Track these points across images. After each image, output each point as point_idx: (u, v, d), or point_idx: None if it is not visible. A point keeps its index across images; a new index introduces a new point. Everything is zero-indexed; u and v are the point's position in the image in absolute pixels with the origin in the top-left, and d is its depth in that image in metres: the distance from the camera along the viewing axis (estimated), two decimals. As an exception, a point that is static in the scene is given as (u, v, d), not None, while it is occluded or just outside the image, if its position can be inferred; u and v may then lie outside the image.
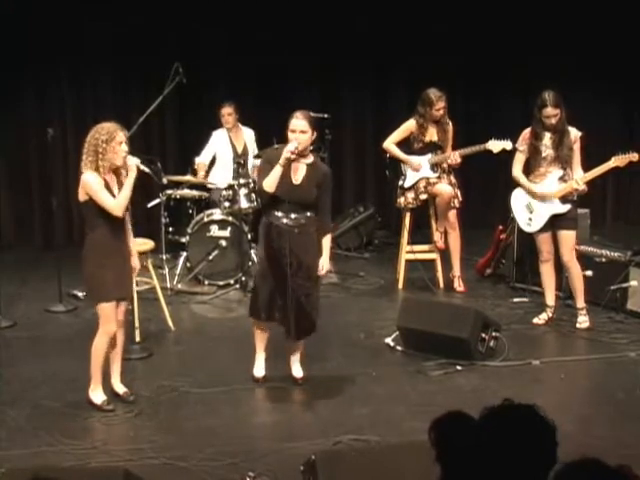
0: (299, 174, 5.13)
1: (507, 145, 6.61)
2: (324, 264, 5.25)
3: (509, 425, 2.39)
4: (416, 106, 7.23)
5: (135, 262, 5.23)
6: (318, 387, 5.40)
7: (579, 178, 6.21)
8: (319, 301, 5.37)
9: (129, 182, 4.90)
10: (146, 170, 5.07)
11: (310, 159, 5.18)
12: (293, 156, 5.01)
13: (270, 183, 5.05)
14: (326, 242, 5.27)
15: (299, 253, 5.14)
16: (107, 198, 4.85)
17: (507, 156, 6.68)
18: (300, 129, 5.04)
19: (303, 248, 5.15)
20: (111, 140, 4.82)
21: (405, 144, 7.37)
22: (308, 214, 5.16)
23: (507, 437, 2.37)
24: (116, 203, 4.86)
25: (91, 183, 4.84)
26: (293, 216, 5.12)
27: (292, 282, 5.12)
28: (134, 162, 4.93)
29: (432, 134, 7.29)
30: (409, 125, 7.30)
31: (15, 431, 4.76)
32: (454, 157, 7.16)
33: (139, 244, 5.37)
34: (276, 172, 5.02)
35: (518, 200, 6.52)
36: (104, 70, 8.96)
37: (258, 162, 6.75)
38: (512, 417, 2.41)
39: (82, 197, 4.90)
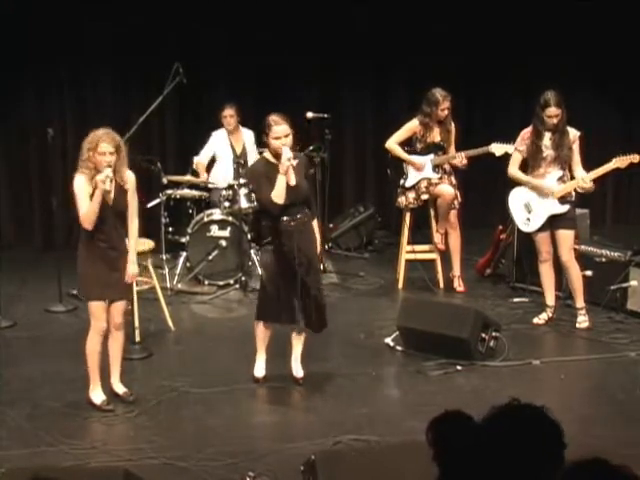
0: (290, 175, 5.11)
1: (510, 149, 6.60)
2: (318, 248, 5.37)
3: (516, 425, 2.39)
4: (421, 106, 7.23)
5: (130, 268, 5.08)
6: (318, 387, 5.40)
7: (585, 176, 6.21)
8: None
9: (95, 198, 4.79)
10: (107, 189, 4.82)
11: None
12: (294, 162, 5.00)
13: (279, 195, 5.03)
14: (315, 226, 5.35)
15: (306, 250, 5.19)
16: (83, 207, 4.83)
17: (507, 156, 6.68)
18: (284, 134, 5.04)
19: (307, 244, 5.22)
20: (92, 149, 4.81)
21: (407, 144, 7.37)
22: (306, 210, 5.23)
23: (514, 437, 2.36)
24: (82, 215, 4.84)
25: (75, 187, 4.86)
26: (298, 216, 5.16)
27: (307, 279, 5.18)
28: (100, 178, 4.76)
29: (435, 135, 7.28)
30: (412, 125, 7.29)
31: (15, 431, 4.77)
32: (460, 158, 7.15)
33: (139, 244, 5.34)
34: (281, 183, 5.01)
35: (516, 200, 6.52)
36: (104, 70, 8.95)
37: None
38: (520, 417, 2.40)
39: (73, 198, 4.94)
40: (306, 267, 5.18)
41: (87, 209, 4.83)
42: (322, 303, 5.34)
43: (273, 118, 5.07)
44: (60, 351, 6.03)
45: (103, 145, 4.80)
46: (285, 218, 5.13)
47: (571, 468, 2.23)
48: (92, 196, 4.82)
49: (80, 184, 4.84)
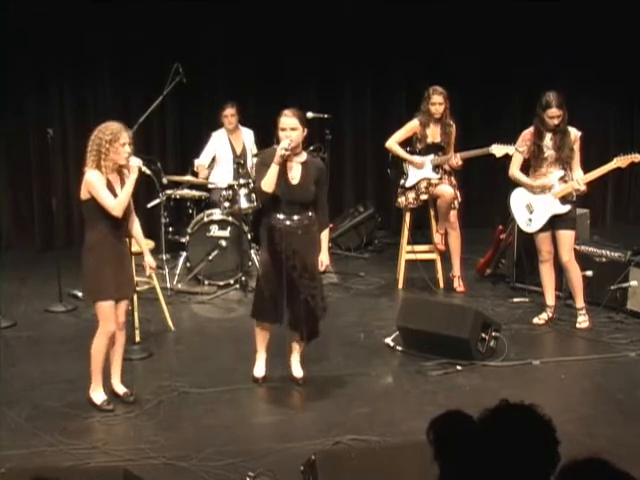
0: (295, 174, 5.11)
1: (510, 150, 6.59)
2: (323, 260, 5.27)
3: (508, 426, 2.39)
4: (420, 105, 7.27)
5: (149, 259, 5.23)
6: (318, 387, 5.40)
7: (580, 178, 6.22)
8: (323, 298, 5.36)
9: (130, 183, 4.90)
10: (147, 172, 5.07)
11: (303, 157, 5.17)
12: (287, 153, 4.98)
13: (268, 183, 5.02)
14: (324, 237, 5.29)
15: (303, 254, 5.14)
16: (108, 198, 4.85)
17: (508, 157, 6.67)
18: (290, 127, 5.02)
19: (306, 248, 5.15)
20: (115, 141, 4.82)
21: (407, 144, 7.37)
22: (309, 214, 5.16)
23: (507, 438, 2.37)
24: (116, 203, 4.86)
25: (94, 182, 4.84)
26: (295, 217, 5.11)
27: (299, 284, 5.13)
28: (136, 164, 4.93)
29: (435, 135, 7.28)
30: (412, 125, 7.30)
31: (15, 431, 4.76)
32: (456, 159, 7.16)
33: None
34: (273, 171, 5.00)
35: (518, 200, 6.52)
36: (104, 70, 8.96)
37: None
38: (511, 418, 2.41)
39: (84, 195, 4.90)
40: (300, 271, 5.12)
41: (123, 196, 4.87)
42: (314, 311, 5.23)
43: (285, 111, 5.07)
44: (60, 351, 6.04)
45: (125, 135, 4.87)
46: (280, 216, 5.10)
47: (568, 467, 2.23)
48: (110, 188, 4.87)
49: (97, 177, 4.84)
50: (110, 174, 4.89)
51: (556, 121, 6.18)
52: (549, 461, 2.35)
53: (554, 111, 6.15)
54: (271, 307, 5.24)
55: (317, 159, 5.59)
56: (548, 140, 6.27)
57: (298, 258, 5.12)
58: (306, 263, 5.15)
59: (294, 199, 5.07)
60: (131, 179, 4.91)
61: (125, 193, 4.89)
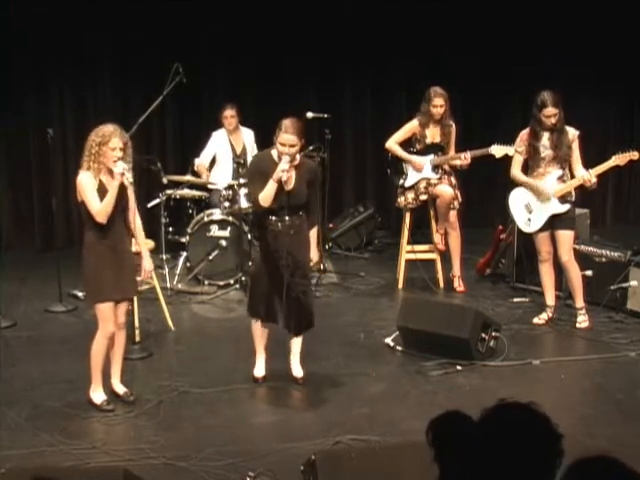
0: (290, 179, 5.12)
1: (510, 151, 6.59)
2: (312, 256, 5.35)
3: (508, 424, 2.39)
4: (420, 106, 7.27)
5: (146, 264, 5.21)
6: (318, 387, 5.40)
7: (590, 171, 6.19)
8: (313, 295, 5.44)
9: (112, 190, 4.84)
10: (129, 181, 4.90)
11: (296, 161, 5.17)
12: (287, 174, 5.01)
13: (266, 198, 5.05)
14: (313, 235, 5.34)
15: (295, 253, 5.18)
16: (94, 202, 4.82)
17: (508, 157, 6.67)
18: (290, 143, 5.02)
19: (298, 248, 5.21)
20: (104, 144, 4.80)
21: (407, 144, 7.37)
22: (300, 213, 5.21)
23: (507, 436, 2.36)
24: (99, 209, 4.83)
25: (83, 184, 4.84)
26: (287, 218, 5.14)
27: (291, 282, 5.16)
28: (118, 170, 4.83)
29: (434, 135, 7.28)
30: (412, 125, 7.30)
31: (15, 431, 4.76)
32: (465, 157, 7.13)
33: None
34: (271, 188, 5.03)
35: (517, 200, 6.52)
36: (104, 70, 8.96)
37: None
38: (510, 416, 2.41)
39: (79, 197, 4.91)
40: (292, 270, 5.16)
41: (104, 203, 4.82)
42: (306, 306, 5.28)
43: (286, 124, 5.03)
44: (60, 351, 6.04)
45: (115, 140, 4.81)
46: (273, 218, 5.14)
47: (578, 464, 2.22)
48: (98, 191, 4.84)
49: (87, 180, 4.83)
50: (102, 175, 4.86)
51: (553, 120, 6.17)
52: (552, 457, 2.34)
53: (550, 110, 6.15)
54: (265, 305, 5.27)
55: (310, 160, 5.61)
56: (546, 139, 6.27)
57: (290, 257, 5.16)
58: (298, 262, 5.21)
59: (288, 203, 5.11)
60: (113, 186, 4.84)
61: (107, 201, 4.83)
